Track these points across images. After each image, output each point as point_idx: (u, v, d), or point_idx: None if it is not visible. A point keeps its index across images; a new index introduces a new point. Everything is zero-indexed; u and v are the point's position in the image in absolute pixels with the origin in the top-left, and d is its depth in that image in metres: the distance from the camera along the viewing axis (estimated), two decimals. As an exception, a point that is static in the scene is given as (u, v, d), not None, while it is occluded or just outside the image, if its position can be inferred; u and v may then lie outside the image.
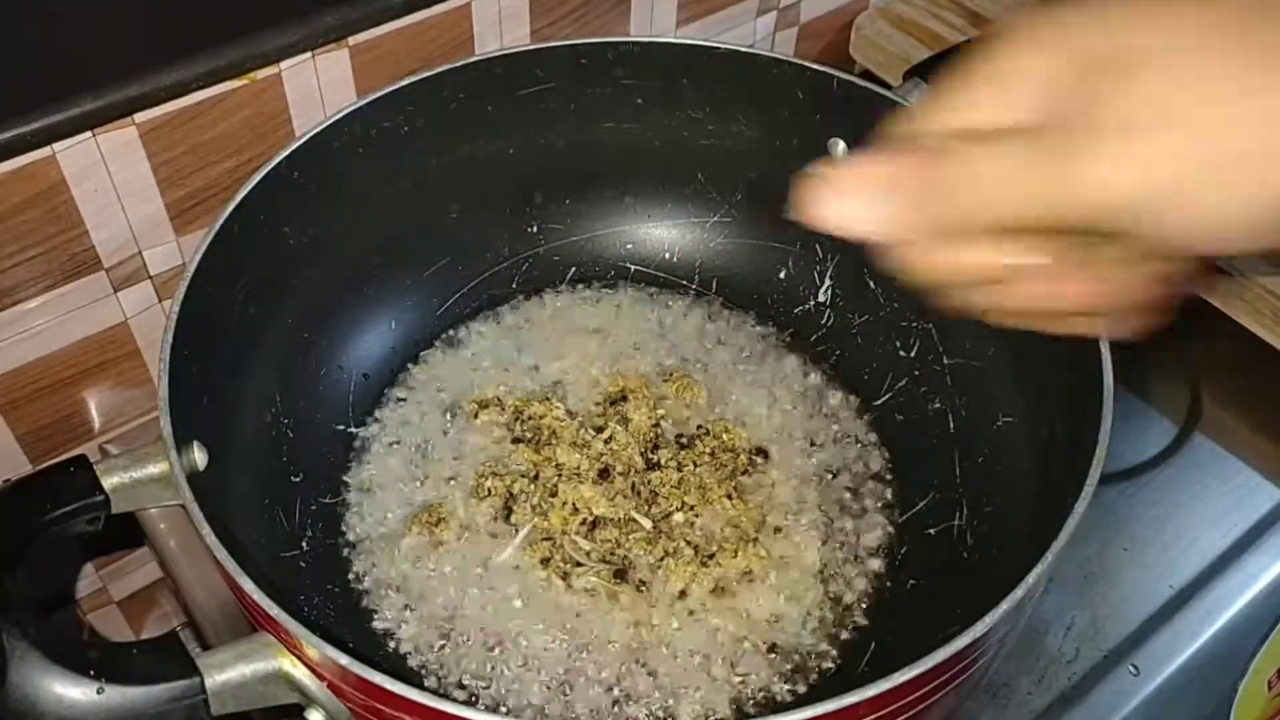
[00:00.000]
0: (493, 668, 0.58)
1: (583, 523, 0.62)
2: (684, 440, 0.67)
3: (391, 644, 0.59)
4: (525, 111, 0.69)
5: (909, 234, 0.33)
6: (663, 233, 0.75)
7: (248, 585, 0.45)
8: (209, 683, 0.45)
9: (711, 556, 0.62)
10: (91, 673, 0.44)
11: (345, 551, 0.62)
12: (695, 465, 0.65)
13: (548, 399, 0.68)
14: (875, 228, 0.33)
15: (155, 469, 0.51)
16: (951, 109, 0.33)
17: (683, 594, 0.61)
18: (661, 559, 0.61)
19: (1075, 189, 0.30)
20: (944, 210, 0.32)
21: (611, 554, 0.61)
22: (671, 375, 0.70)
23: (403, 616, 0.60)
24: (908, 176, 0.32)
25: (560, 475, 0.64)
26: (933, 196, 0.32)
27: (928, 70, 0.70)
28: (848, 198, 0.33)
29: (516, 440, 0.66)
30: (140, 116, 0.60)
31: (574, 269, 0.75)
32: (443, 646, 0.59)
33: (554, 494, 0.63)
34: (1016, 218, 0.31)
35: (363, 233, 0.68)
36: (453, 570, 0.61)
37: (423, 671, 0.58)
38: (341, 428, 0.67)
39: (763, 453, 0.67)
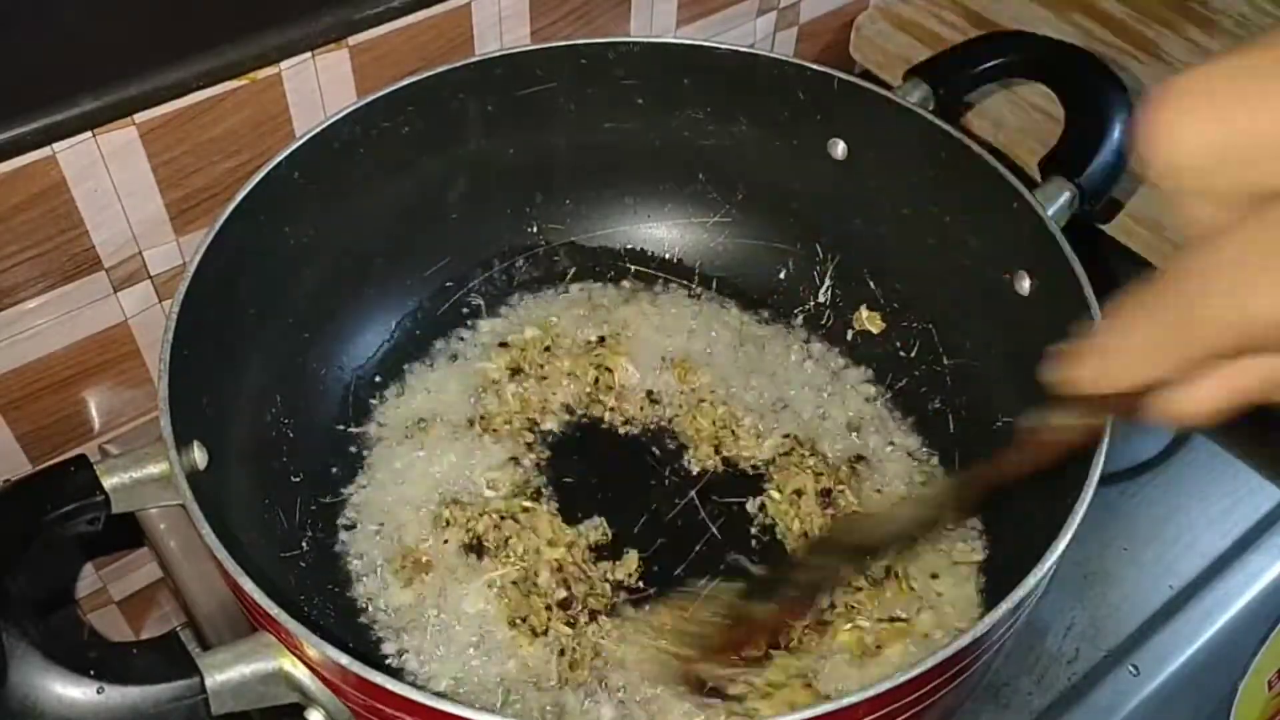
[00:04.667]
0: (489, 666, 0.58)
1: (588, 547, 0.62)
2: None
3: (391, 644, 0.59)
4: (525, 111, 0.69)
5: (1173, 367, 0.30)
6: (663, 233, 0.75)
7: (248, 585, 0.45)
8: (209, 683, 0.45)
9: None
10: (91, 673, 0.44)
11: (345, 551, 0.62)
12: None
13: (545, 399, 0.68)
14: (1144, 372, 0.31)
15: (155, 469, 0.51)
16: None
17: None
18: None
19: None
20: (1198, 327, 0.28)
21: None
22: (676, 367, 0.70)
23: (403, 616, 0.60)
24: (1156, 307, 0.29)
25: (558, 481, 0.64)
26: (1183, 315, 0.28)
27: (928, 70, 0.70)
28: (1107, 355, 0.31)
29: (515, 441, 0.67)
30: (140, 116, 0.60)
31: (574, 269, 0.75)
32: (443, 646, 0.59)
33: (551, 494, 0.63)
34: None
35: (363, 233, 0.68)
36: (453, 570, 0.61)
37: (422, 671, 0.58)
38: (341, 428, 0.67)
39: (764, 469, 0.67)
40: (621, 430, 0.67)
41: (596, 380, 0.69)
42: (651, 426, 0.68)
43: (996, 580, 0.59)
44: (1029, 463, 0.41)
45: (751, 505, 0.64)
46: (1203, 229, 0.28)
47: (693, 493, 0.65)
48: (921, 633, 0.58)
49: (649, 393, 0.68)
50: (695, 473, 0.66)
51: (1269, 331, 0.26)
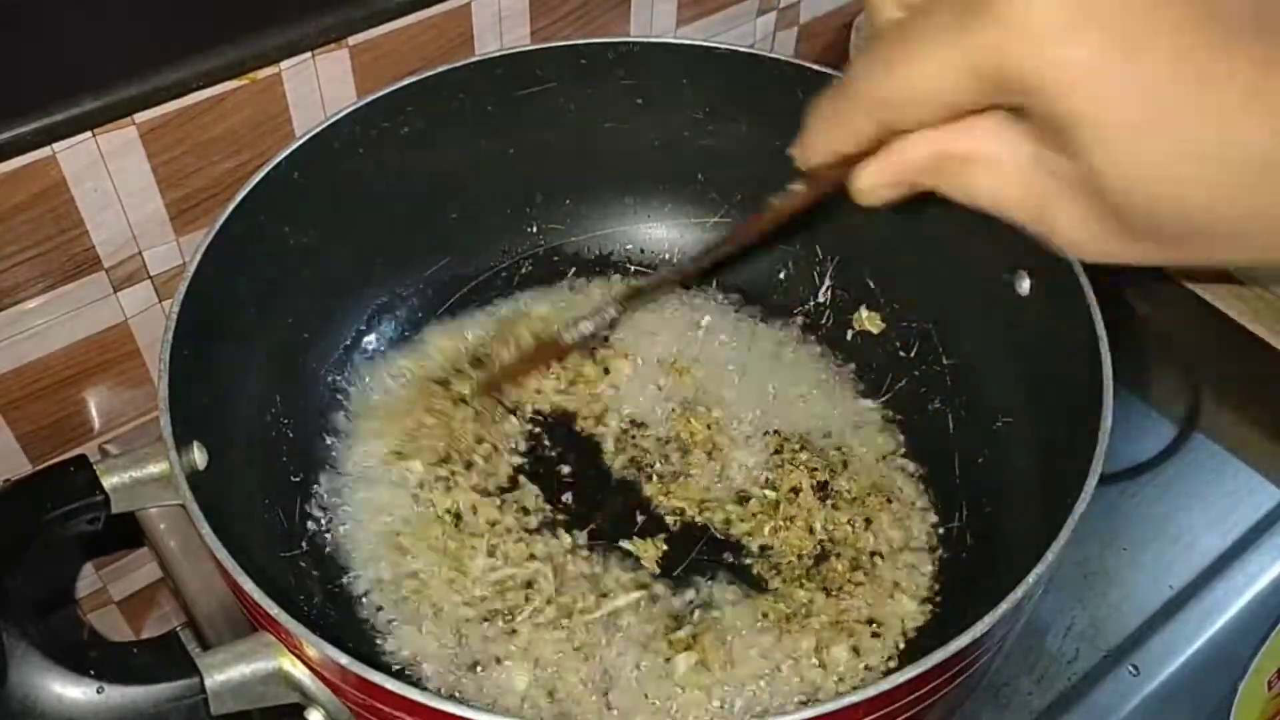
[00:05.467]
0: (490, 666, 0.58)
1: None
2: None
3: (391, 644, 0.59)
4: (525, 111, 0.69)
5: (853, 140, 0.36)
6: (663, 233, 0.75)
7: (248, 585, 0.45)
8: (209, 683, 0.45)
9: (711, 556, 0.62)
10: (91, 673, 0.44)
11: (345, 551, 0.62)
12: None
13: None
14: (833, 144, 0.36)
15: (155, 469, 0.51)
16: None
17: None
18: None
19: (982, 49, 0.30)
20: (888, 109, 0.33)
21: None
22: (671, 367, 0.70)
23: (403, 616, 0.60)
24: (847, 93, 0.35)
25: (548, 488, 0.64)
26: (875, 101, 0.34)
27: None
28: (813, 128, 0.37)
29: (506, 448, 0.67)
30: (140, 116, 0.60)
31: (574, 269, 0.75)
32: (443, 645, 0.59)
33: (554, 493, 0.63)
34: (955, 95, 0.32)
35: (363, 232, 0.68)
36: (453, 568, 0.61)
37: (422, 671, 0.58)
38: (341, 427, 0.67)
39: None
40: (613, 440, 0.67)
41: (580, 403, 0.69)
42: (643, 434, 0.68)
43: (996, 580, 0.59)
44: (771, 221, 0.47)
45: (752, 505, 0.64)
46: (879, 29, 0.35)
47: (691, 495, 0.65)
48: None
49: (631, 421, 0.68)
50: (691, 476, 0.66)
51: (902, 106, 0.33)
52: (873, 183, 0.37)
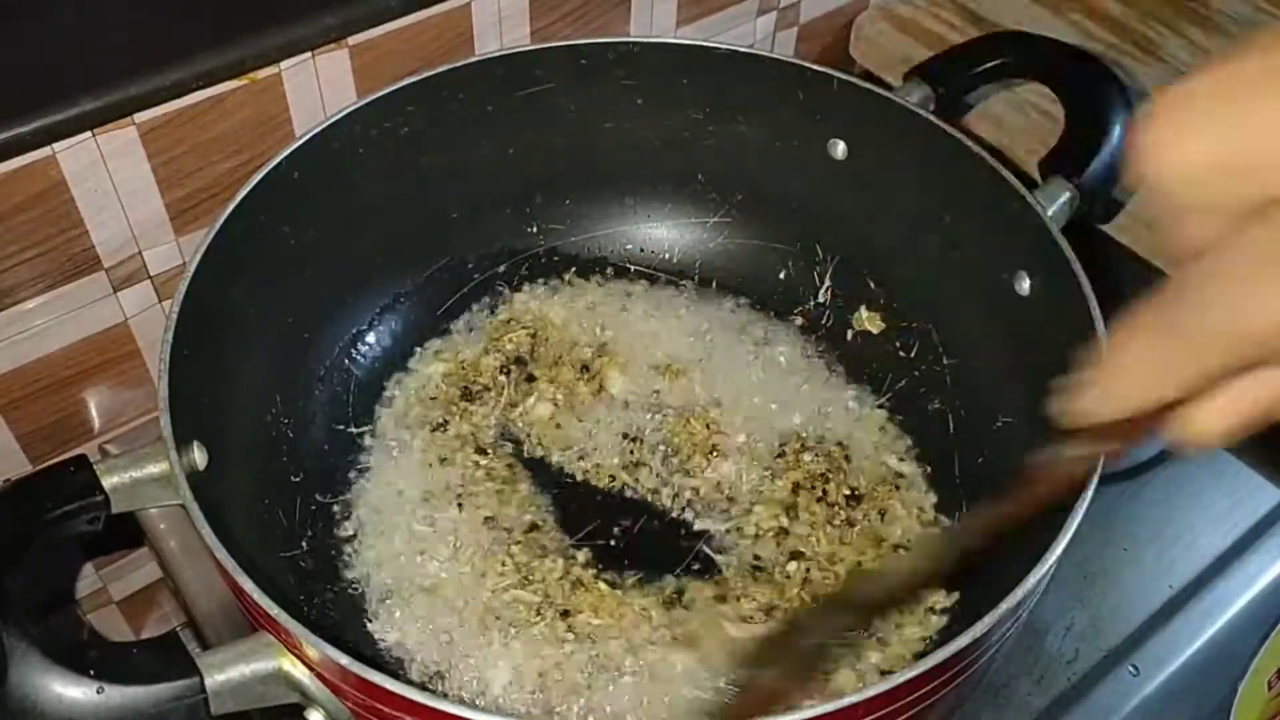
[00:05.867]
0: (487, 666, 0.58)
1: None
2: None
3: (391, 644, 0.59)
4: (525, 111, 0.69)
5: (1184, 385, 0.29)
6: (663, 233, 0.75)
7: (248, 585, 0.45)
8: (209, 682, 0.45)
9: (711, 556, 0.62)
10: (91, 673, 0.44)
11: (345, 551, 0.62)
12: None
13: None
14: (1154, 392, 0.29)
15: (155, 469, 0.51)
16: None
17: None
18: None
19: None
20: (1251, 345, 0.27)
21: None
22: (667, 370, 0.70)
23: (403, 616, 0.60)
24: (1160, 323, 0.28)
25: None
26: (1232, 335, 0.27)
27: (928, 70, 0.70)
28: (1123, 372, 0.29)
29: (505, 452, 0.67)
30: (140, 116, 0.60)
31: (574, 269, 0.75)
32: (444, 646, 0.59)
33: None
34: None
35: (363, 232, 0.68)
36: (453, 568, 0.61)
37: (422, 672, 0.58)
38: (341, 427, 0.67)
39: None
40: (613, 444, 0.67)
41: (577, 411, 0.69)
42: (642, 438, 0.68)
43: (996, 580, 0.59)
44: (1039, 501, 0.39)
45: (753, 506, 0.64)
46: (1198, 244, 0.27)
47: (690, 496, 0.65)
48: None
49: (624, 432, 0.68)
50: (691, 478, 0.66)
51: (1272, 339, 0.26)
52: (1220, 426, 0.30)
